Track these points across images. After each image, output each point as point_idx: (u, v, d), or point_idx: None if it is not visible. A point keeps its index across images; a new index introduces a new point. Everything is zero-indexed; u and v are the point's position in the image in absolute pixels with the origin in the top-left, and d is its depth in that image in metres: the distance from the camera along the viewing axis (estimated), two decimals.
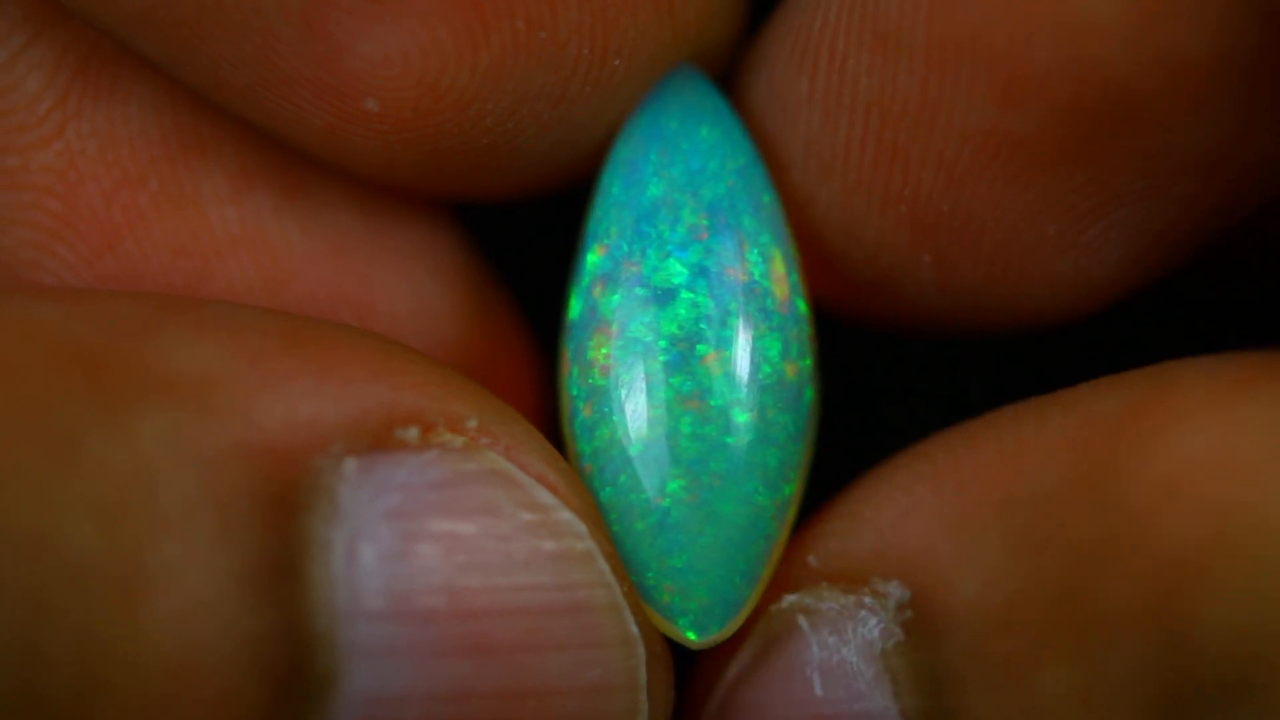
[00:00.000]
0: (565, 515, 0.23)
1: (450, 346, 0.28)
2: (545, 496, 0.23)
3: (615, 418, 0.25)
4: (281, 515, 0.22)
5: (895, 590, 0.23)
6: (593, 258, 0.26)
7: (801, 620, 0.24)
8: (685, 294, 0.25)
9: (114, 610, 0.20)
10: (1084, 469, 0.21)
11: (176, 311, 0.23)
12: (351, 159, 0.25)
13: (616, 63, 0.25)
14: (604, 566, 0.23)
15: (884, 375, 0.32)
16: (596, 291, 0.25)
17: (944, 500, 0.23)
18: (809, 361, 0.25)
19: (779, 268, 0.25)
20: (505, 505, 0.23)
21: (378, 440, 0.22)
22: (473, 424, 0.23)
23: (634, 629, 0.23)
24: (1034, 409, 0.23)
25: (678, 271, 0.25)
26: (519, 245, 0.30)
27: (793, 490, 0.25)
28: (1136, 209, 0.24)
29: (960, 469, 0.23)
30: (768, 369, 0.25)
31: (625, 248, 0.25)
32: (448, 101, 0.24)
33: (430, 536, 0.22)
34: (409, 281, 0.27)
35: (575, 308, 0.26)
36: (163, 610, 0.21)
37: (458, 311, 0.28)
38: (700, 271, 0.25)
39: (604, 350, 0.25)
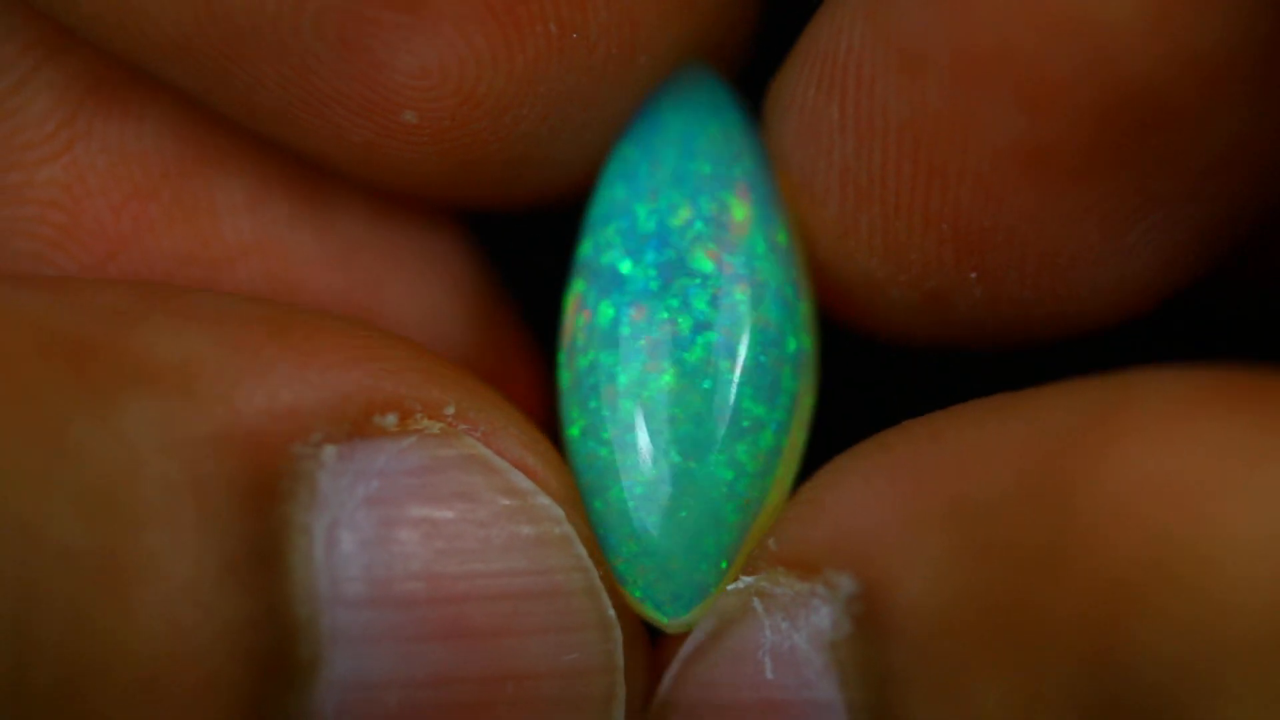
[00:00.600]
0: (542, 500, 0.23)
1: (459, 354, 0.28)
2: (522, 481, 0.23)
3: (596, 403, 0.25)
4: (263, 502, 0.22)
5: (846, 582, 0.23)
6: (587, 248, 0.26)
7: (756, 603, 0.23)
8: (674, 283, 0.25)
9: (100, 597, 0.21)
10: (1035, 478, 0.21)
11: (160, 299, 0.23)
12: (387, 174, 0.26)
13: (643, 60, 0.26)
14: (581, 551, 0.23)
15: (882, 372, 0.32)
16: (588, 280, 0.26)
17: (899, 495, 0.23)
18: (795, 351, 0.25)
19: (771, 259, 0.25)
20: (483, 490, 0.23)
21: (357, 427, 0.23)
22: (450, 410, 0.23)
23: (611, 612, 0.23)
24: (997, 408, 0.23)
25: (668, 262, 0.25)
26: (527, 251, 0.30)
27: (774, 480, 0.25)
28: (1175, 207, 0.24)
29: (918, 464, 0.23)
30: (753, 359, 0.25)
31: (619, 239, 0.26)
32: (484, 109, 0.25)
33: (409, 523, 0.22)
34: (419, 290, 0.28)
35: (569, 296, 0.26)
36: (147, 597, 0.21)
37: (467, 320, 0.28)
38: (691, 262, 0.25)
39: (591, 339, 0.25)
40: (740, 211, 0.25)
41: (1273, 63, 0.22)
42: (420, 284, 0.28)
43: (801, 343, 0.25)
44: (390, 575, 0.22)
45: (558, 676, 0.23)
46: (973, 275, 0.25)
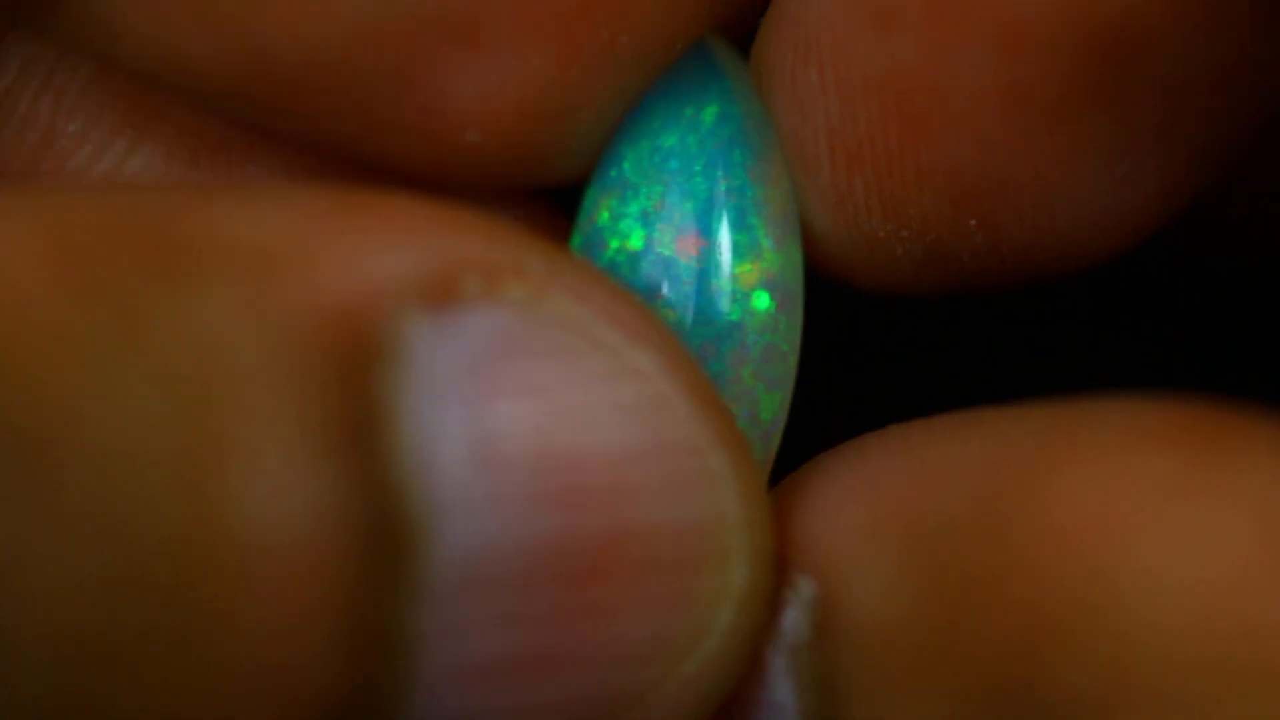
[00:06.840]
0: (640, 355, 0.22)
1: None
2: (617, 339, 0.22)
3: None
4: (355, 377, 0.21)
5: (807, 587, 0.23)
6: (579, 236, 0.26)
7: None
8: (661, 271, 0.25)
9: (196, 485, 0.20)
10: (983, 500, 0.21)
11: (225, 187, 0.23)
12: (449, 185, 0.26)
13: (681, 46, 0.26)
14: (684, 405, 0.23)
15: (868, 359, 0.32)
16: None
17: (864, 504, 0.23)
18: (783, 346, 0.26)
19: (763, 248, 0.25)
20: (580, 350, 0.22)
21: (446, 293, 0.22)
22: (539, 270, 0.23)
23: (717, 465, 0.23)
24: (969, 424, 0.23)
25: (659, 242, 0.25)
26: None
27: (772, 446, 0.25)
28: (1165, 136, 0.24)
29: (887, 475, 0.23)
30: (760, 347, 0.25)
31: (610, 219, 0.26)
32: (545, 120, 0.25)
33: (508, 388, 0.22)
34: None
35: None
36: (241, 485, 0.20)
37: None
38: (675, 248, 0.25)
39: None
40: (735, 199, 0.25)
41: None
42: None
43: (785, 335, 0.26)
44: (492, 442, 0.22)
45: (671, 534, 0.22)
46: (972, 223, 0.25)
